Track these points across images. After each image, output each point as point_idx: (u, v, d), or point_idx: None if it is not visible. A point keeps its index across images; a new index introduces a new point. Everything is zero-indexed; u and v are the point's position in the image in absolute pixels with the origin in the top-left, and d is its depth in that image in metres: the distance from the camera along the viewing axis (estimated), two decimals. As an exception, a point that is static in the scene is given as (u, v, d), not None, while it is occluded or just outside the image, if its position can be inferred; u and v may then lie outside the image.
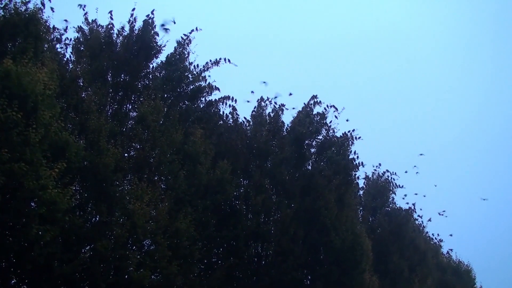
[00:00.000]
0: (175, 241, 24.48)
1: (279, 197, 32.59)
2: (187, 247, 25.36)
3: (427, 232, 54.55)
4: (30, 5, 21.73)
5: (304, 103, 35.20)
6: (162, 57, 28.80)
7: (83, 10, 27.19)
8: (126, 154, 25.32)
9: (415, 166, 46.06)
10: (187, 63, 29.52)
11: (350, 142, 35.34)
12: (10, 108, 17.60)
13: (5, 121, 17.55)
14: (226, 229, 29.58)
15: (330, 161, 34.52)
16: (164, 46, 28.36)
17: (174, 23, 28.37)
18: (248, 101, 34.53)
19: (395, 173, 45.96)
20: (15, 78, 18.23)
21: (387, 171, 46.16)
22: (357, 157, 35.77)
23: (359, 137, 35.62)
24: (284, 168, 32.92)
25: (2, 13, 20.93)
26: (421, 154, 56.91)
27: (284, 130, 34.40)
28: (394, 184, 46.16)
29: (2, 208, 17.36)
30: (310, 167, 34.73)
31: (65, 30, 26.84)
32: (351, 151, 35.45)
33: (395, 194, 46.72)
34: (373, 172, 46.47)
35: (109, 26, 27.41)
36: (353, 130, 35.52)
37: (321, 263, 33.49)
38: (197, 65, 29.81)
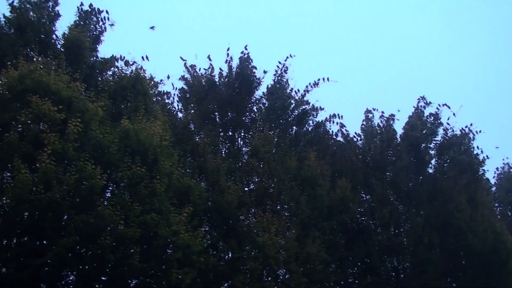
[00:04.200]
0: (308, 266, 24.38)
1: (406, 206, 31.45)
2: (321, 271, 25.06)
3: None
4: (133, 67, 23.25)
5: (414, 106, 34.07)
6: (262, 88, 29.45)
7: (182, 60, 28.68)
8: (246, 189, 25.85)
9: None
10: (288, 90, 29.85)
11: (472, 137, 33.52)
12: (134, 164, 18.74)
13: (132, 177, 18.70)
14: (357, 247, 28.96)
15: (453, 161, 32.91)
16: (263, 78, 29.04)
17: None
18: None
19: None
20: (133, 136, 19.41)
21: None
22: (481, 151, 33.80)
23: (480, 131, 33.71)
24: (405, 176, 31.82)
25: (112, 79, 22.61)
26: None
27: (398, 137, 33.39)
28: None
29: (142, 258, 18.31)
30: (432, 171, 33.35)
31: (168, 77, 28.25)
32: (473, 147, 33.60)
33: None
34: (502, 165, 43.44)
35: (209, 69, 28.63)
36: (471, 124, 33.77)
37: (464, 268, 31.62)
38: (298, 90, 30.08)
